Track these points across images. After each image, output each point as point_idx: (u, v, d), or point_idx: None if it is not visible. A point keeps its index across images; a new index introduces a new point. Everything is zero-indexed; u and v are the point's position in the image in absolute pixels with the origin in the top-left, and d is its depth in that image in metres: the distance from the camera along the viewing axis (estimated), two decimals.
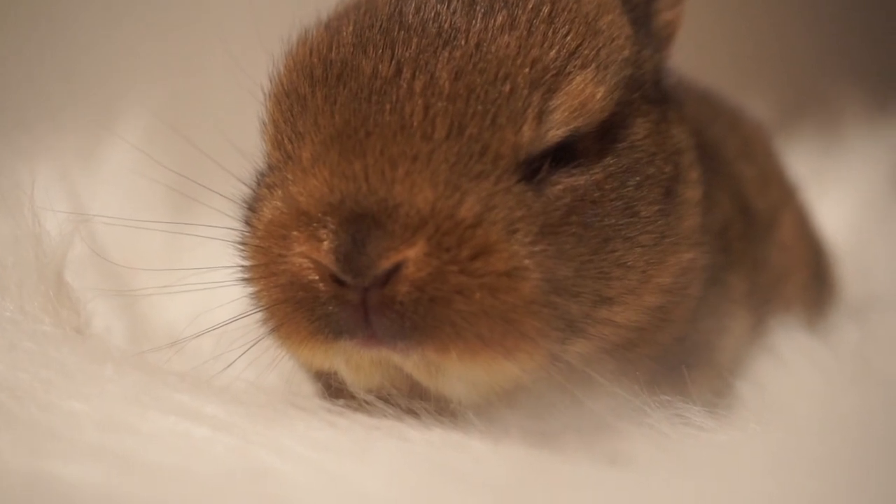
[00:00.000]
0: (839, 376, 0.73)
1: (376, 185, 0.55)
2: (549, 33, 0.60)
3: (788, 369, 0.73)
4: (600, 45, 0.62)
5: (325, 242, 0.55)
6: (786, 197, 0.83)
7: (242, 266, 0.60)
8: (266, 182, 0.61)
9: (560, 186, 0.58)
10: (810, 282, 0.83)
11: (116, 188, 1.11)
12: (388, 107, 0.57)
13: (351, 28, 0.61)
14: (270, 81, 0.63)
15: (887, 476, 0.58)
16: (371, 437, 0.55)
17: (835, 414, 0.67)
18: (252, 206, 0.62)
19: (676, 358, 0.67)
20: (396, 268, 0.54)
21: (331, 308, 0.55)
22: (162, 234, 0.93)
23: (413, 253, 0.54)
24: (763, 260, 0.77)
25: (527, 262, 0.56)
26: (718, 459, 0.58)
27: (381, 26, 0.60)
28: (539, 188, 0.58)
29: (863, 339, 0.83)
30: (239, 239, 0.61)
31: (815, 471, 0.57)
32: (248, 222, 0.61)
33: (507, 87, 0.57)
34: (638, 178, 0.62)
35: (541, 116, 0.58)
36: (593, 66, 0.61)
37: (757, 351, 0.74)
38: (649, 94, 0.66)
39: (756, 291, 0.75)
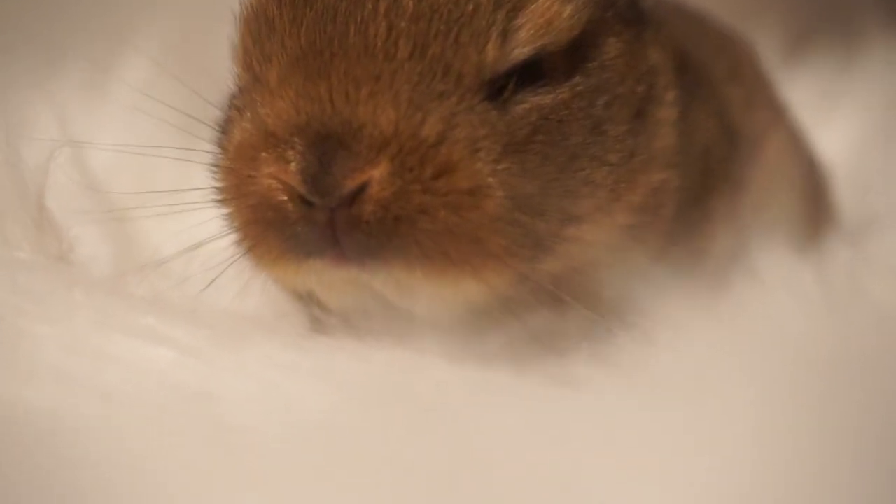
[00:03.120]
0: (821, 300, 0.73)
1: (340, 106, 0.56)
2: None
3: (767, 291, 0.73)
4: None
5: (293, 164, 0.56)
6: (774, 118, 0.82)
7: (215, 187, 0.61)
8: (235, 104, 0.61)
9: (525, 105, 0.58)
10: (799, 203, 0.82)
11: (117, 124, 1.12)
12: (352, 27, 0.57)
13: None
14: (241, 4, 0.62)
15: (865, 413, 0.58)
16: (333, 359, 0.56)
17: (812, 342, 0.67)
18: (223, 129, 0.62)
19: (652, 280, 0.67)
20: (362, 188, 0.55)
21: (300, 228, 0.56)
22: (160, 162, 0.94)
23: (377, 173, 0.55)
24: (746, 181, 0.77)
25: (490, 179, 0.56)
26: (678, 384, 0.59)
27: None
28: (504, 107, 0.58)
29: (855, 261, 0.83)
30: (211, 161, 0.62)
31: (783, 402, 0.58)
32: (219, 144, 0.61)
33: (470, 7, 0.57)
34: (606, 98, 0.62)
35: (505, 35, 0.58)
36: None
37: (737, 273, 0.74)
38: (623, 13, 0.65)
39: (738, 213, 0.75)
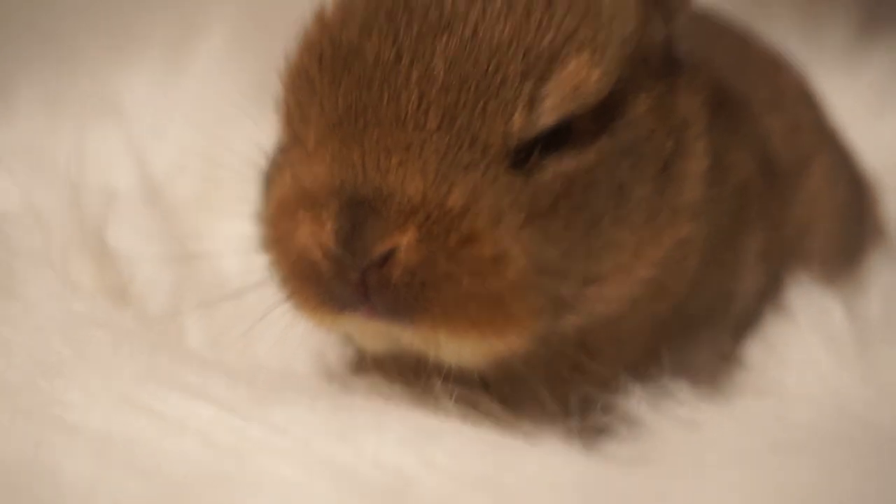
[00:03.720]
0: (849, 343, 0.74)
1: (372, 173, 0.58)
2: (546, 18, 0.61)
3: (799, 330, 0.74)
4: (600, 24, 0.63)
5: (328, 224, 0.59)
6: (817, 144, 0.82)
7: (260, 236, 0.64)
8: (279, 159, 0.64)
9: (550, 172, 0.60)
10: (841, 229, 0.83)
11: (199, 101, 1.15)
12: (386, 95, 0.59)
13: (361, 6, 0.63)
14: (286, 60, 0.65)
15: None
16: (356, 421, 0.59)
17: (836, 390, 0.69)
18: (266, 179, 0.65)
19: (678, 324, 0.69)
20: (391, 252, 0.57)
21: (335, 284, 0.59)
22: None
23: (405, 239, 0.57)
24: (786, 213, 0.78)
25: (513, 247, 0.58)
26: (696, 448, 0.61)
27: (387, 8, 0.62)
28: (529, 174, 0.60)
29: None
30: (256, 210, 0.65)
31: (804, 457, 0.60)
32: (264, 195, 0.65)
33: (499, 78, 0.59)
34: (633, 159, 0.63)
35: (532, 104, 0.59)
36: (590, 48, 0.62)
37: (770, 310, 0.75)
38: (655, 67, 0.66)
39: (774, 248, 0.76)
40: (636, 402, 0.63)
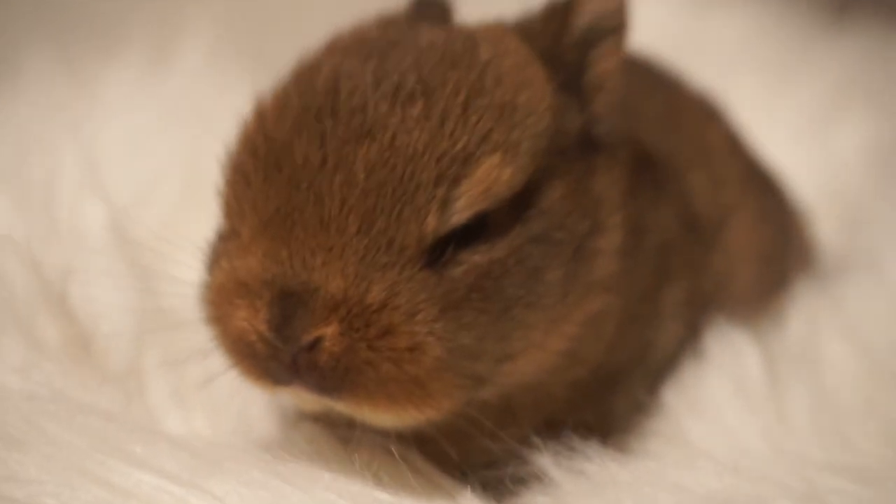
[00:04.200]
0: (761, 384, 0.80)
1: (299, 270, 0.64)
2: (460, 124, 0.66)
3: (711, 373, 0.80)
4: (514, 124, 0.68)
5: (261, 313, 0.65)
6: (741, 195, 0.87)
7: (202, 313, 0.70)
8: (218, 247, 0.70)
9: (463, 266, 0.66)
10: (762, 272, 0.88)
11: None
12: (312, 198, 0.65)
13: (295, 103, 0.68)
14: (226, 153, 0.70)
15: None
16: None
17: (742, 440, 0.75)
18: (210, 262, 0.70)
19: (597, 380, 0.75)
20: (318, 340, 0.64)
21: (270, 363, 0.65)
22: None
23: (329, 331, 0.63)
24: (707, 264, 0.83)
25: (428, 338, 0.64)
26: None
27: (317, 110, 0.67)
28: (443, 270, 0.65)
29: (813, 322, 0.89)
30: (199, 290, 0.71)
31: None
32: (205, 276, 0.70)
33: (414, 184, 0.64)
34: (545, 245, 0.68)
35: (445, 206, 0.65)
36: (502, 149, 0.66)
37: (688, 356, 0.81)
38: (571, 152, 0.71)
39: (695, 297, 0.81)
40: (547, 458, 0.70)
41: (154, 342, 0.79)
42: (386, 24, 0.75)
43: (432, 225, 0.65)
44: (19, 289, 0.80)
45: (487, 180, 0.66)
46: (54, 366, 0.75)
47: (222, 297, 0.67)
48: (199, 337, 0.70)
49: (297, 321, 0.64)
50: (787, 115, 1.24)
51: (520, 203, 0.68)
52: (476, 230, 0.67)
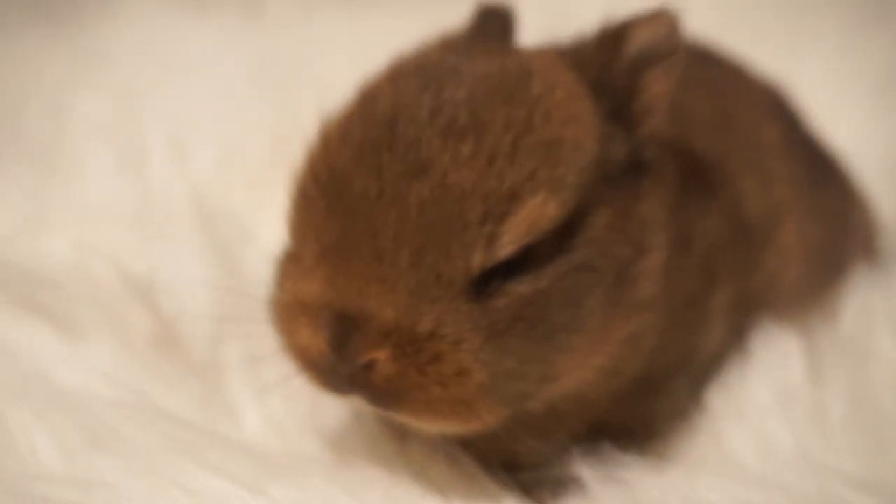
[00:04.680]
0: (805, 389, 0.83)
1: (356, 298, 0.69)
2: (508, 163, 0.69)
3: (758, 376, 0.83)
4: (560, 160, 0.71)
5: (322, 332, 0.70)
6: (792, 195, 0.89)
7: (272, 322, 0.76)
8: (285, 264, 0.75)
9: (507, 298, 0.70)
10: (813, 270, 0.91)
11: None
12: (368, 231, 0.69)
13: (357, 133, 0.72)
14: (295, 173, 0.75)
15: None
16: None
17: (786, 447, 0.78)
18: (278, 278, 0.75)
19: (639, 387, 0.80)
20: (371, 362, 0.69)
21: (331, 375, 0.71)
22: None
23: (382, 355, 0.69)
24: (755, 267, 0.86)
25: (473, 365, 0.69)
26: None
27: (376, 141, 0.71)
28: (488, 301, 0.70)
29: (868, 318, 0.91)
30: (268, 302, 0.76)
31: None
32: (273, 290, 0.75)
33: (462, 223, 0.69)
34: (588, 273, 0.72)
35: (490, 242, 0.69)
36: (547, 185, 0.70)
37: (734, 358, 0.84)
38: (616, 179, 0.75)
39: (742, 300, 0.85)
40: (583, 463, 0.75)
41: (235, 333, 0.85)
42: (447, 47, 0.78)
43: (478, 260, 0.69)
44: (105, 285, 0.86)
45: (532, 217, 0.70)
46: (139, 366, 0.81)
47: (287, 315, 0.73)
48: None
49: (353, 343, 0.69)
50: (853, 86, 1.24)
51: (565, 232, 0.72)
52: (522, 261, 0.70)
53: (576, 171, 0.72)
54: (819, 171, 0.95)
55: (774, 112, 0.94)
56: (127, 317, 0.85)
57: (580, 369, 0.74)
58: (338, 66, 1.22)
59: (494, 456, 0.77)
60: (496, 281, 0.70)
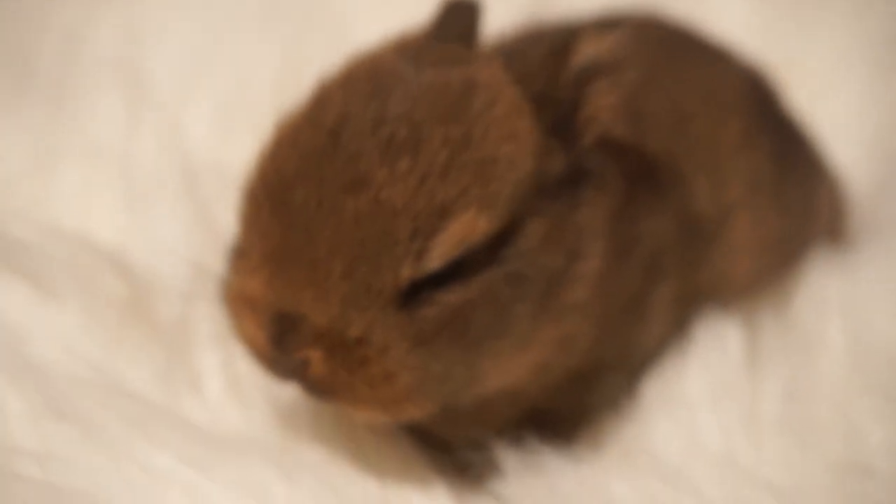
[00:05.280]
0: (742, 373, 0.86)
1: (293, 300, 0.74)
2: (440, 181, 0.73)
3: (695, 364, 0.87)
4: (493, 177, 0.74)
5: (263, 327, 0.75)
6: (747, 192, 0.91)
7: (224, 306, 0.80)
8: (235, 257, 0.79)
9: (436, 307, 0.74)
10: (773, 258, 0.93)
11: None
12: (307, 238, 0.74)
13: (303, 139, 0.75)
14: (249, 171, 0.79)
15: None
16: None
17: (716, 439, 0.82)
18: (230, 265, 0.80)
19: (575, 379, 0.84)
20: (306, 359, 0.74)
21: (274, 364, 0.76)
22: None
23: (315, 355, 0.74)
24: (704, 262, 0.89)
25: (398, 369, 0.74)
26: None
27: (320, 151, 0.74)
28: (417, 309, 0.74)
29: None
30: (222, 286, 0.81)
31: None
32: (225, 278, 0.80)
33: (392, 239, 0.72)
34: (518, 282, 0.75)
35: (420, 256, 0.73)
36: (478, 202, 0.73)
37: (673, 350, 0.88)
38: (555, 190, 0.78)
39: (688, 294, 0.88)
40: (506, 450, 0.80)
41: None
42: (402, 50, 0.81)
43: (407, 273, 0.73)
44: (80, 244, 0.91)
45: (462, 232, 0.73)
46: (104, 331, 0.86)
47: (235, 305, 0.77)
48: None
49: (290, 341, 0.74)
50: (854, 56, 1.23)
51: (498, 243, 0.75)
52: (453, 271, 0.74)
53: (509, 187, 0.75)
54: (785, 161, 0.96)
55: (742, 104, 0.95)
56: (99, 279, 0.89)
57: (508, 370, 0.78)
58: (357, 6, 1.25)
59: (430, 438, 0.82)
60: (426, 290, 0.74)
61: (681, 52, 0.95)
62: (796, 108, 1.03)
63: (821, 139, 1.04)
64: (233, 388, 0.87)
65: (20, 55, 1.18)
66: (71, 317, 0.87)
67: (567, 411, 0.85)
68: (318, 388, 0.75)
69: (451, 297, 0.74)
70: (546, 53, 0.79)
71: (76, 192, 1.04)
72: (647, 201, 0.84)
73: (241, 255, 0.78)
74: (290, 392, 0.84)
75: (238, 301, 0.77)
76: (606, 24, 0.81)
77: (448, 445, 0.83)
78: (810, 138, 1.02)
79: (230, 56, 1.20)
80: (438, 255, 0.73)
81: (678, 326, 0.89)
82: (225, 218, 0.92)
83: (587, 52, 0.78)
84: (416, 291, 0.74)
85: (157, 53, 1.19)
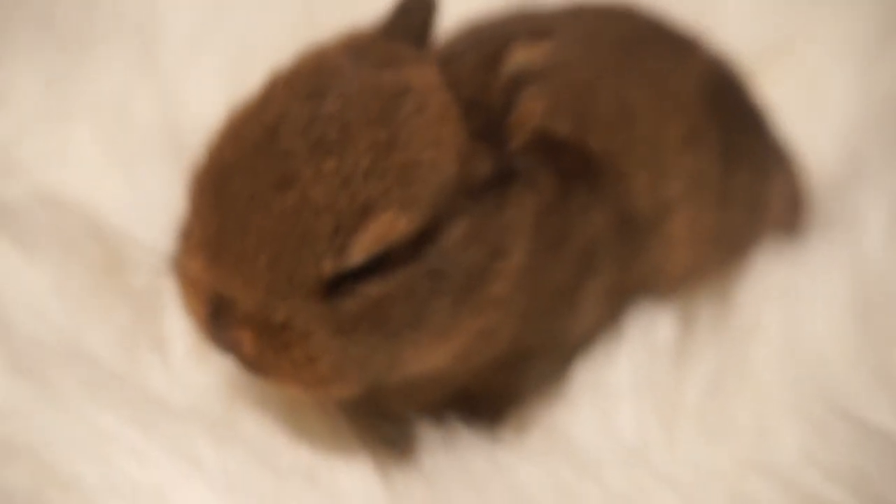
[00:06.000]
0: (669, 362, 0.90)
1: (225, 284, 0.79)
2: (363, 182, 0.77)
3: (624, 350, 0.90)
4: (415, 180, 0.78)
5: (202, 304, 0.81)
6: (689, 188, 0.94)
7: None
8: (182, 236, 0.84)
9: (357, 298, 0.78)
10: (716, 250, 0.97)
11: None
12: (239, 230, 0.79)
13: (247, 132, 0.80)
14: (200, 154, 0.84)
15: None
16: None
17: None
18: (178, 240, 0.85)
19: (502, 363, 0.89)
20: (238, 338, 0.80)
21: (213, 339, 0.82)
22: None
23: (245, 336, 0.79)
24: (639, 256, 0.92)
25: (319, 354, 0.79)
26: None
27: (257, 146, 0.79)
28: (338, 300, 0.78)
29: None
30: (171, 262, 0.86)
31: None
32: (174, 254, 0.85)
33: (315, 234, 0.77)
34: (438, 278, 0.80)
35: (340, 252, 0.77)
36: (399, 203, 0.78)
37: (604, 336, 0.92)
38: (481, 191, 0.82)
39: (623, 285, 0.92)
40: (426, 429, 0.85)
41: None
42: (349, 47, 0.85)
43: (328, 267, 0.77)
44: (65, 204, 0.97)
45: (382, 231, 0.78)
46: (75, 291, 0.92)
47: (182, 282, 0.83)
48: None
49: (224, 320, 0.80)
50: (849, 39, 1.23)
51: (421, 241, 0.79)
52: (376, 266, 0.79)
53: (431, 189, 0.79)
54: (734, 155, 0.98)
55: (692, 101, 0.97)
56: (79, 243, 0.94)
57: (428, 358, 0.83)
58: None
59: (359, 414, 0.88)
60: (349, 283, 0.79)
61: (638, 49, 0.98)
62: (763, 99, 1.04)
63: (790, 131, 1.05)
64: (194, 356, 0.92)
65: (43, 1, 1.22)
66: (45, 278, 0.92)
67: (494, 394, 0.90)
68: (249, 365, 0.81)
69: (372, 289, 0.79)
70: (478, 60, 0.83)
71: (77, 148, 1.09)
72: (582, 198, 0.88)
73: (185, 235, 0.84)
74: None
75: (183, 278, 0.83)
76: (541, 32, 0.83)
77: (375, 421, 0.88)
78: (771, 129, 1.04)
79: (239, 22, 1.23)
80: (359, 251, 0.78)
81: (612, 317, 0.92)
82: None
83: (517, 60, 0.81)
84: (340, 283, 0.79)
85: (169, 14, 1.23)
